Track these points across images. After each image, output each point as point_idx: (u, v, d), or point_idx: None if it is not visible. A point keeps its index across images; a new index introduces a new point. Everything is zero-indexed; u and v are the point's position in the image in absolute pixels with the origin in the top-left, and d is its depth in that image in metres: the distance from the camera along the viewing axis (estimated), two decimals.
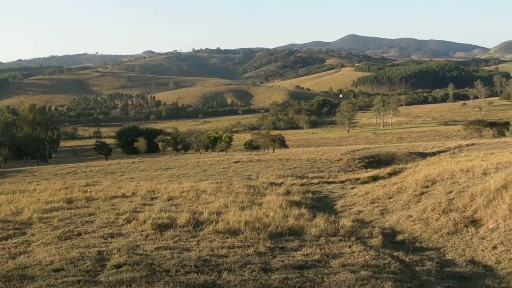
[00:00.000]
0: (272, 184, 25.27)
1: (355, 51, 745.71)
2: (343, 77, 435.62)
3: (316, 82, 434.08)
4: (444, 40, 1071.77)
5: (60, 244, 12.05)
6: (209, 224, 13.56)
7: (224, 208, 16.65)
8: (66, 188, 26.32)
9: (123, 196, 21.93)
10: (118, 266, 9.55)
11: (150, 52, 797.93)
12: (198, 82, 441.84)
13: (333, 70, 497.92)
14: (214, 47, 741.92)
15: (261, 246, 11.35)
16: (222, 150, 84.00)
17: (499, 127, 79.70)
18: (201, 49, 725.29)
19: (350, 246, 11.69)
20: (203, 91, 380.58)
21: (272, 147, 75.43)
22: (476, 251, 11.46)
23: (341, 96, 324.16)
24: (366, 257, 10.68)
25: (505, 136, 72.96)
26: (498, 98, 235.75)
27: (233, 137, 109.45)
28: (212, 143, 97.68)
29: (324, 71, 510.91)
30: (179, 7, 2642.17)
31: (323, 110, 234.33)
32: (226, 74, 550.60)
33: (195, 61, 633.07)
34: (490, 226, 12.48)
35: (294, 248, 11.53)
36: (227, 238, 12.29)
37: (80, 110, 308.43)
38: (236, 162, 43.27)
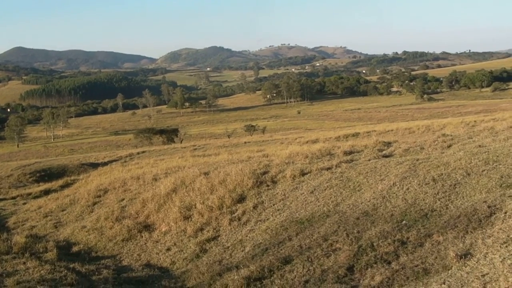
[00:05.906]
0: None
1: (22, 64, 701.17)
2: (10, 91, 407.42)
3: None
4: (112, 52, 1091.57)
5: None
6: None
7: None
8: None
9: None
10: None
11: None
12: None
13: (0, 84, 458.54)
14: None
15: None
16: None
17: (168, 134, 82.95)
18: None
19: (24, 263, 11.43)
20: None
21: None
22: (151, 254, 12.04)
23: (9, 110, 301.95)
24: (42, 272, 10.55)
25: (174, 142, 77.27)
26: (166, 106, 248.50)
27: None
28: None
29: None
30: None
31: None
32: None
33: None
34: (163, 229, 13.23)
35: None
36: None
37: None
38: None
